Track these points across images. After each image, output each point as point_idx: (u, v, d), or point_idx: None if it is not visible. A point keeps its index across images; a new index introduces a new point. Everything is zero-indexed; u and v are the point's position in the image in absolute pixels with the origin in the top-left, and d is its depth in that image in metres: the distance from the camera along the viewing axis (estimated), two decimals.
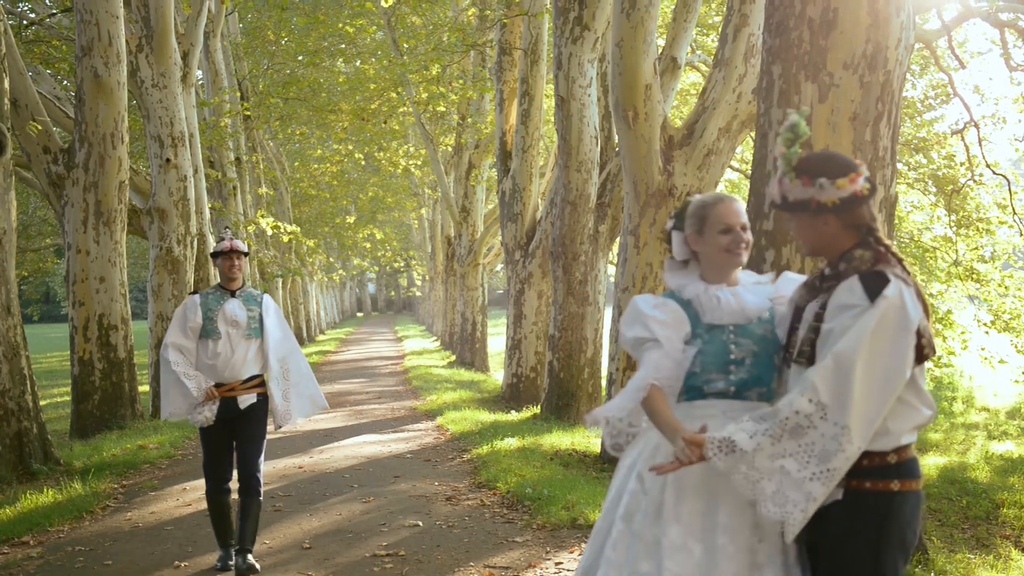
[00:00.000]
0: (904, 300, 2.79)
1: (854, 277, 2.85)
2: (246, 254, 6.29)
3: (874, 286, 2.80)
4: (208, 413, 6.03)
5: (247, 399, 6.17)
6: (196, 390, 6.03)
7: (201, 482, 8.77)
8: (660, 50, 12.24)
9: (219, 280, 6.33)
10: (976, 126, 14.32)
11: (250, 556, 6.05)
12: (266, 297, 6.37)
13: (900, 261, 2.95)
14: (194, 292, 6.35)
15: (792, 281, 3.31)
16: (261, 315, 6.24)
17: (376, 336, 43.61)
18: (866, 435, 2.78)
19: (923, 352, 2.84)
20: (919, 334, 2.82)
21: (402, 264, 56.33)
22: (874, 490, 2.84)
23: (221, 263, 6.28)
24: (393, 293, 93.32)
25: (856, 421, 2.75)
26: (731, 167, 19.56)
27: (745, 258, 3.26)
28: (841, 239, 2.97)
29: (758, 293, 3.30)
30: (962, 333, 15.70)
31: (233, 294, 6.25)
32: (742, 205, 3.29)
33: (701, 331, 3.22)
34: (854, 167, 2.93)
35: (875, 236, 2.96)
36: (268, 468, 9.34)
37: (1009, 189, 14.40)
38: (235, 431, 6.18)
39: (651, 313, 3.24)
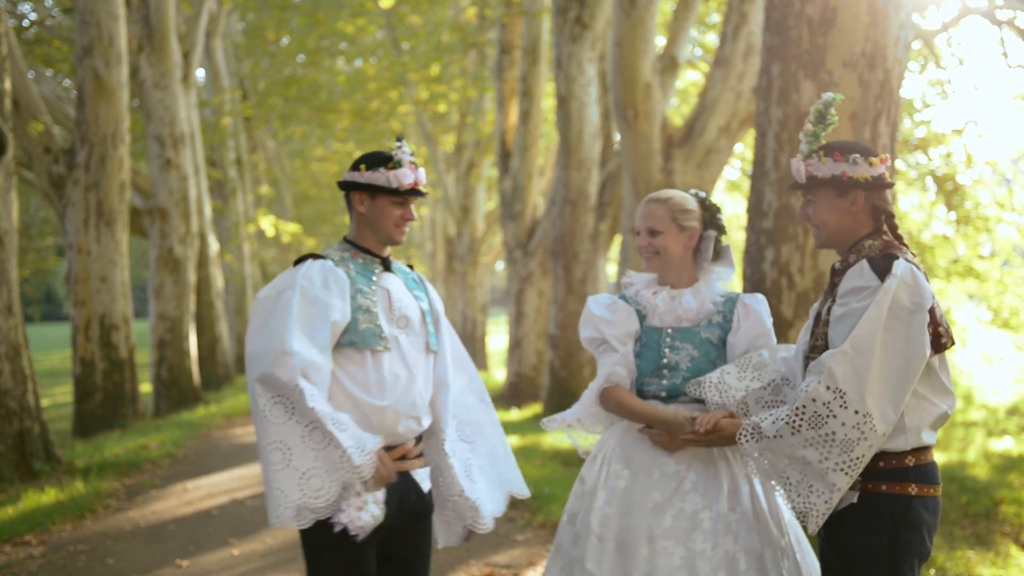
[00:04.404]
0: (916, 278, 2.70)
1: (863, 261, 2.78)
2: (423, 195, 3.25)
3: (883, 265, 2.72)
4: (375, 510, 2.99)
5: (425, 477, 3.31)
6: (359, 453, 2.90)
7: (204, 480, 8.79)
8: (660, 49, 12.26)
9: (353, 238, 3.27)
10: (975, 124, 14.35)
11: None
12: (422, 278, 3.50)
13: (909, 249, 2.90)
14: (304, 257, 3.11)
15: (753, 313, 3.21)
16: (433, 308, 3.40)
17: None
18: (891, 419, 2.65)
19: (940, 341, 2.74)
20: (936, 322, 2.73)
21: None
22: (890, 493, 2.72)
23: (383, 210, 3.19)
24: None
25: (877, 407, 2.63)
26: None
27: (656, 264, 3.22)
28: (861, 223, 2.89)
29: (708, 297, 3.23)
30: (962, 331, 15.72)
31: (387, 265, 3.28)
32: (659, 208, 3.22)
33: (642, 333, 3.23)
34: (880, 154, 2.92)
35: (892, 223, 2.91)
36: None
37: (1009, 187, 14.43)
38: (392, 544, 3.28)
39: (600, 314, 3.27)
